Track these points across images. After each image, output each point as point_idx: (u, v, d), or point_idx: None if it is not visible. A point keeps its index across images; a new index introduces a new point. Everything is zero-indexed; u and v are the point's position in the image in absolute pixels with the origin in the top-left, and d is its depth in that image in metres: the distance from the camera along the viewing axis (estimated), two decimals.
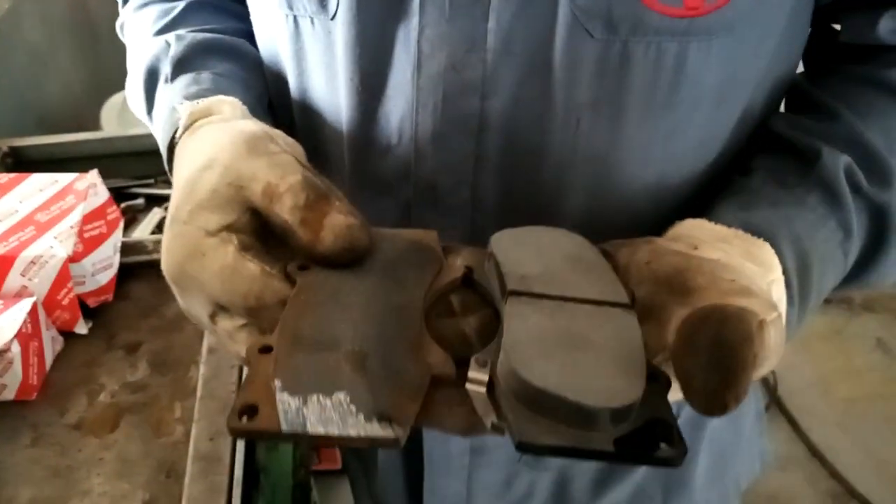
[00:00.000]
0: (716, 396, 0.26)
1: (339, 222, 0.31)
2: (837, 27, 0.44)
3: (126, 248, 0.72)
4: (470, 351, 0.30)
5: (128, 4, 0.57)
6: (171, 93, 0.45)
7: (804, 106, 0.45)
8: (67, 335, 0.65)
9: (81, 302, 0.66)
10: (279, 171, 0.32)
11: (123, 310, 0.69)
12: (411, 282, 0.34)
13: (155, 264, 0.77)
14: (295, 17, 0.43)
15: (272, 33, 0.47)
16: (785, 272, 0.36)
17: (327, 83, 0.44)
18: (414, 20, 0.38)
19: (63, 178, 0.69)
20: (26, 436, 0.57)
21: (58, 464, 0.55)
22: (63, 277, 0.62)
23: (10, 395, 0.59)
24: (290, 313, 0.31)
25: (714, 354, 0.26)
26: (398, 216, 0.46)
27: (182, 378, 0.62)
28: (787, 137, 0.43)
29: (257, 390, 0.27)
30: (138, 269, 0.73)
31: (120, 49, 0.57)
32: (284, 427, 0.26)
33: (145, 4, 0.55)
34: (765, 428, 0.69)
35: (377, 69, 0.41)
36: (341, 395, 0.27)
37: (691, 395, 0.27)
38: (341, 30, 0.41)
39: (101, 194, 0.69)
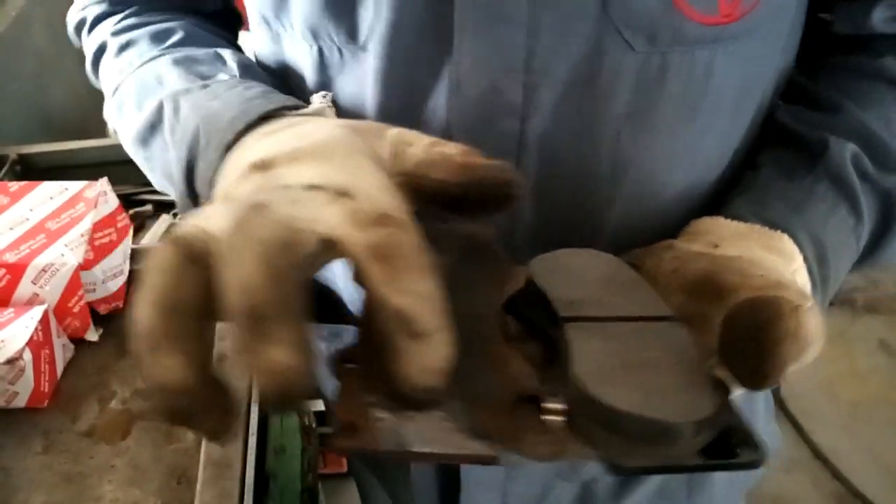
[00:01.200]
0: (758, 370, 0.27)
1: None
2: (827, 17, 0.45)
3: (136, 255, 0.73)
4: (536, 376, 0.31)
5: (95, 31, 0.52)
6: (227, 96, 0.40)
7: (803, 99, 0.46)
8: (78, 342, 0.66)
9: (92, 309, 0.66)
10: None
11: None
12: (481, 286, 0.33)
13: None
14: (320, 48, 0.42)
15: (293, 64, 0.45)
16: (805, 260, 0.37)
17: (356, 112, 0.43)
18: (451, 44, 0.38)
19: (73, 186, 0.70)
20: (38, 443, 0.58)
21: (69, 470, 0.56)
22: (74, 285, 0.63)
23: (21, 402, 0.59)
24: None
25: (752, 335, 0.27)
26: None
27: None
28: (793, 130, 0.44)
29: (353, 406, 0.27)
30: None
31: None
32: (387, 446, 0.26)
33: (128, 29, 0.50)
34: (773, 416, 0.70)
35: (411, 96, 0.41)
36: (437, 413, 0.27)
37: (738, 378, 0.29)
38: (373, 60, 0.40)
39: (111, 202, 0.70)
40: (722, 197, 0.44)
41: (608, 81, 0.38)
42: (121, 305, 0.69)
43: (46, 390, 0.60)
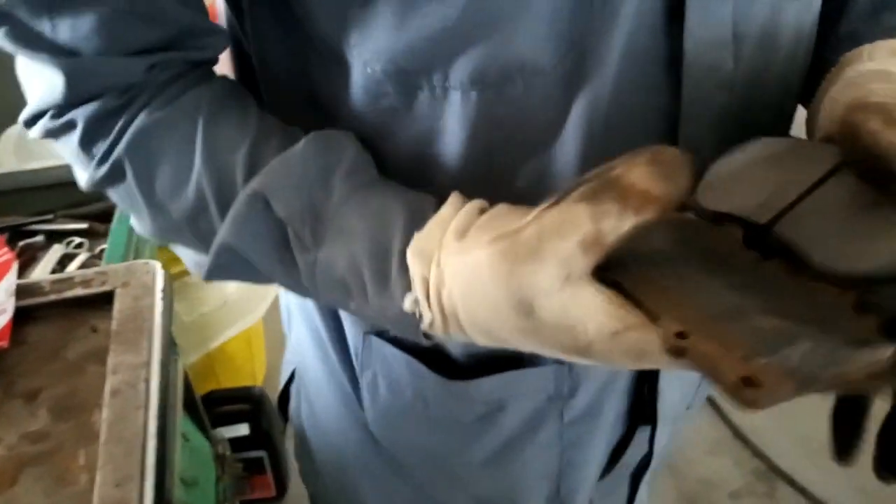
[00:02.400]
0: None
1: None
2: None
3: (22, 291, 0.70)
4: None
5: (100, 144, 0.41)
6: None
7: None
8: None
9: None
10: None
11: (21, 356, 0.66)
12: (718, 234, 0.33)
13: (55, 305, 0.74)
14: (484, 97, 0.39)
15: (421, 118, 0.41)
16: None
17: (540, 126, 0.41)
18: (682, 36, 0.39)
19: None
20: None
21: None
22: None
23: None
24: (659, 297, 0.29)
25: None
26: None
27: (85, 423, 0.60)
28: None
29: (730, 363, 0.26)
30: (37, 312, 0.70)
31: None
32: (797, 384, 0.25)
33: (142, 138, 0.40)
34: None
35: (629, 98, 0.40)
36: (806, 344, 0.26)
37: None
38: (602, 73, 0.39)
39: None
40: None
41: (782, 33, 0.41)
42: (6, 345, 0.65)
43: None
